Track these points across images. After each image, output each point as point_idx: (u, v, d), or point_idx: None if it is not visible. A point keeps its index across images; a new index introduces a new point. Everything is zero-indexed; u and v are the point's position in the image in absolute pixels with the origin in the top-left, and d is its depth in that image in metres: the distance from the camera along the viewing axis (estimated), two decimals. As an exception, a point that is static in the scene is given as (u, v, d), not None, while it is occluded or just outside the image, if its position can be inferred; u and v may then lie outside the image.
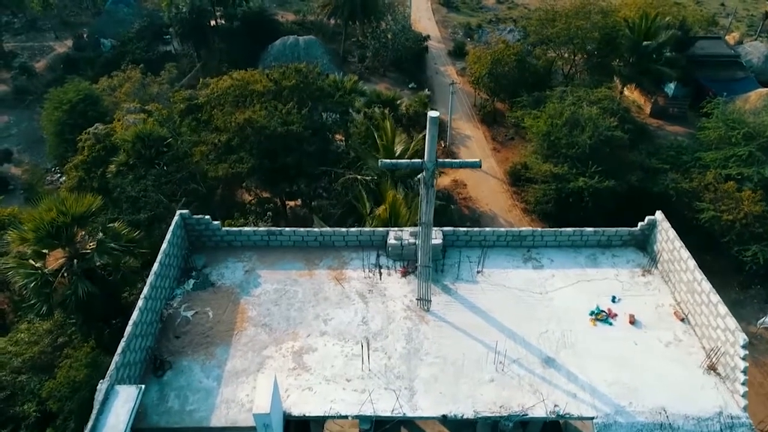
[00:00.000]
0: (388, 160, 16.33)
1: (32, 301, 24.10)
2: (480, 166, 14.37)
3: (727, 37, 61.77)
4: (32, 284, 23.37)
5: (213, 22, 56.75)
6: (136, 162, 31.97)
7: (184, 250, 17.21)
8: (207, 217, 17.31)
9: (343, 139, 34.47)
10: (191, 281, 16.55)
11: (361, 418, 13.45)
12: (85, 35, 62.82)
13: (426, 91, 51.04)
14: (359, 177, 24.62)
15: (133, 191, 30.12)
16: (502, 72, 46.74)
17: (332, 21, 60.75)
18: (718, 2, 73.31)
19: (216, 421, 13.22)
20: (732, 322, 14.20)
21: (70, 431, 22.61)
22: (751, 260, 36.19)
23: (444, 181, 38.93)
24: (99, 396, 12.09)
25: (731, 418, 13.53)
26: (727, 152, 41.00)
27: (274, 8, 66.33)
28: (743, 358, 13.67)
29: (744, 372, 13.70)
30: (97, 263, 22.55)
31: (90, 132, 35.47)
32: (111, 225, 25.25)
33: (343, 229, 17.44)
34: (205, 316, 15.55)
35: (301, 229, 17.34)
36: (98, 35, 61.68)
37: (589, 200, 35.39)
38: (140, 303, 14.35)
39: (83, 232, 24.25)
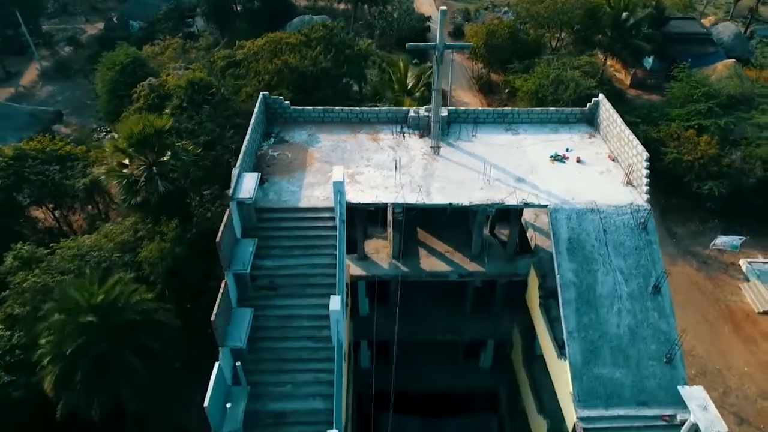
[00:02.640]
0: (413, 43, 24.79)
1: (123, 197, 32.54)
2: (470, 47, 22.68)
3: (703, 20, 70.82)
4: (123, 184, 31.76)
5: (235, 6, 65.37)
6: (187, 105, 40.22)
7: (264, 120, 25.42)
8: (281, 97, 25.63)
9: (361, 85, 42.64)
10: (271, 139, 24.77)
11: (396, 205, 21.62)
12: (114, 18, 71.35)
13: (428, 64, 59.62)
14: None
15: (190, 124, 38.28)
16: (497, 43, 55.32)
17: (342, 5, 69.45)
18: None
19: (300, 205, 21.43)
20: (641, 148, 22.48)
21: (158, 289, 30.63)
22: (708, 194, 44.52)
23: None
24: (234, 174, 20.20)
25: (637, 206, 21.79)
26: (690, 108, 49.71)
27: (288, -7, 75.21)
28: (646, 168, 21.92)
29: (647, 178, 21.96)
30: (172, 167, 30.78)
31: (145, 84, 43.68)
32: (179, 143, 33.84)
33: (376, 108, 25.78)
34: (285, 156, 23.81)
35: (347, 107, 25.67)
36: (127, 17, 70.19)
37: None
38: (245, 144, 22.46)
39: (160, 144, 32.69)
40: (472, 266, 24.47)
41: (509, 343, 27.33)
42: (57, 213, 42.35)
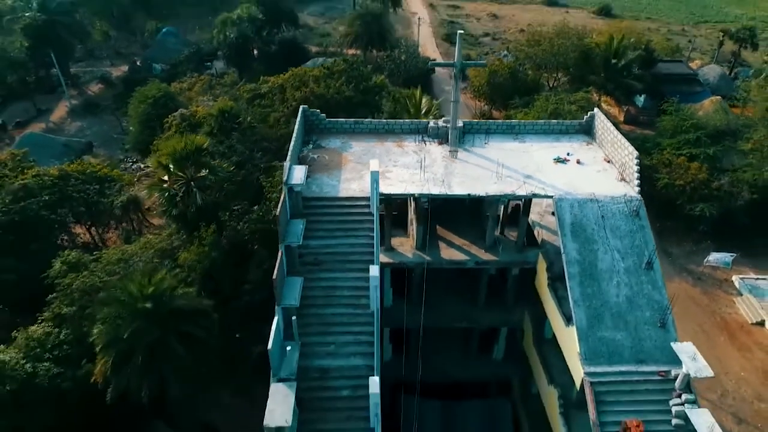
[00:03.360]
0: (434, 61, 29.10)
1: (164, 208, 36.43)
2: (486, 66, 26.99)
3: (691, 64, 76.66)
4: (165, 196, 35.76)
5: (254, 50, 70.90)
6: (217, 132, 44.57)
7: (303, 129, 29.47)
8: (317, 110, 29.80)
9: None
10: (310, 145, 28.77)
11: (423, 195, 25.40)
12: (138, 62, 76.91)
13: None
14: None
15: (222, 147, 42.46)
16: (498, 82, 60.38)
17: (351, 50, 75.10)
18: (686, 39, 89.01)
19: (340, 195, 25.22)
20: (632, 149, 26.47)
21: (195, 291, 33.69)
22: (699, 215, 48.41)
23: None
24: (286, 167, 24.04)
25: (630, 197, 25.61)
26: (680, 138, 54.35)
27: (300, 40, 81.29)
28: (637, 165, 25.82)
29: (638, 174, 25.83)
30: (208, 182, 34.78)
31: (176, 114, 48.19)
32: (213, 161, 38.01)
33: (401, 120, 29.92)
34: (323, 158, 27.78)
35: (375, 120, 29.79)
36: (150, 61, 75.77)
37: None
38: (291, 145, 26.39)
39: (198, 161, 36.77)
40: (487, 256, 28.03)
41: (520, 330, 30.52)
42: (93, 230, 46.03)
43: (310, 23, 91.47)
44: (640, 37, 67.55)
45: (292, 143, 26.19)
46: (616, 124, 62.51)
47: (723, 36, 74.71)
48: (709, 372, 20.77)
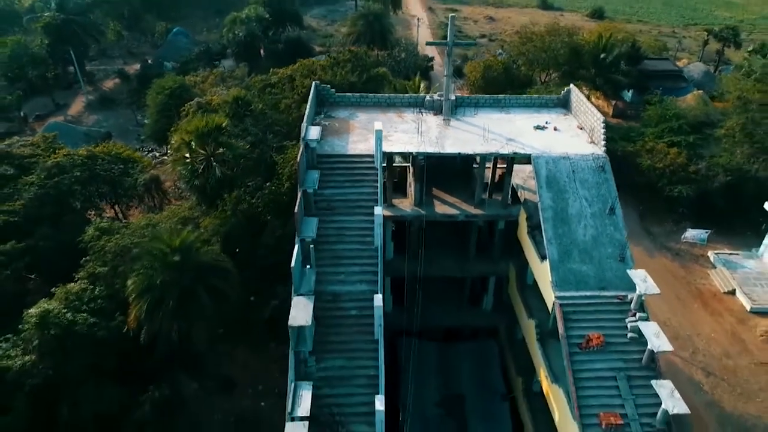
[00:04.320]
0: (431, 41, 34.16)
1: (187, 180, 41.37)
2: (476, 44, 32.06)
3: (678, 63, 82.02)
4: (188, 170, 40.70)
5: (262, 49, 76.18)
6: (231, 117, 49.49)
7: (316, 101, 34.45)
8: (327, 86, 34.83)
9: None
10: (321, 115, 33.77)
11: (419, 153, 30.34)
12: (149, 60, 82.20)
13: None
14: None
15: (237, 130, 47.30)
16: (492, 76, 65.50)
17: (353, 48, 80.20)
18: (675, 39, 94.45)
19: (348, 153, 30.20)
20: (600, 116, 31.43)
21: (218, 250, 38.21)
22: (678, 196, 53.24)
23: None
24: (303, 127, 28.98)
25: (597, 155, 30.57)
26: (662, 127, 59.44)
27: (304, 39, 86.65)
28: (603, 128, 30.78)
29: (604, 135, 30.77)
30: (226, 158, 39.64)
31: (193, 102, 53.12)
32: (230, 140, 42.94)
33: (401, 95, 34.93)
34: (333, 125, 32.82)
35: (378, 94, 34.79)
36: (161, 59, 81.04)
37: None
38: (306, 112, 31.35)
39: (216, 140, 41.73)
40: (475, 211, 32.94)
41: (506, 279, 35.31)
42: (117, 207, 50.93)
43: (313, 25, 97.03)
44: (627, 36, 72.86)
45: (306, 111, 31.20)
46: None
47: (708, 36, 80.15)
48: (656, 290, 25.59)
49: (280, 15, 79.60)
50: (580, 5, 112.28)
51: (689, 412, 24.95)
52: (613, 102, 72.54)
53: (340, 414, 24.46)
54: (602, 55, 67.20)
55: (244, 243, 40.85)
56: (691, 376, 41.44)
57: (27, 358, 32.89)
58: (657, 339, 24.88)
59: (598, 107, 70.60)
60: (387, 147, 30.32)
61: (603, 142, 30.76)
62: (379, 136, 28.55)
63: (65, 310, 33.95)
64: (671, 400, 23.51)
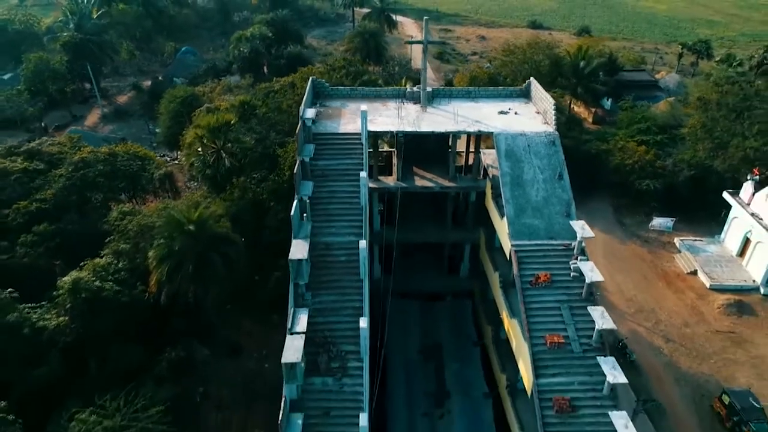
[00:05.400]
0: (410, 39, 41.16)
1: (199, 169, 48.06)
2: (445, 44, 39.04)
3: (657, 75, 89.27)
4: (200, 160, 47.47)
5: (265, 66, 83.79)
6: (238, 119, 56.36)
7: (313, 93, 41.33)
8: (323, 81, 41.77)
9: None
10: (317, 104, 40.63)
11: (399, 132, 37.07)
12: (160, 77, 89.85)
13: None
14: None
15: (243, 129, 54.13)
16: (479, 85, 72.44)
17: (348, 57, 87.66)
18: (657, 55, 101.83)
19: (339, 131, 36.94)
20: (552, 100, 38.12)
21: (229, 226, 44.41)
22: (646, 189, 59.62)
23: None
24: (302, 109, 35.76)
25: (549, 132, 37.21)
26: (633, 128, 66.32)
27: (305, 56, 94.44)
28: (554, 111, 37.46)
29: (555, 119, 37.40)
30: (234, 150, 46.37)
31: (203, 108, 60.15)
32: (238, 136, 49.78)
33: (385, 88, 41.83)
34: (327, 111, 39.71)
35: (366, 87, 41.68)
36: (171, 76, 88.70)
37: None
38: (304, 99, 38.15)
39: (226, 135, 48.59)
40: (449, 183, 39.51)
41: (478, 245, 41.61)
42: (134, 200, 57.58)
43: (313, 45, 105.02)
44: (604, 49, 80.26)
45: (304, 98, 38.09)
46: (580, 121, 74.71)
47: (682, 49, 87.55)
48: (590, 233, 31.89)
49: (283, 34, 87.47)
50: (569, 24, 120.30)
51: (616, 327, 31.04)
52: (593, 109, 79.58)
53: (331, 337, 30.59)
54: (580, 66, 74.30)
55: (251, 224, 47.14)
56: (653, 342, 47.37)
57: (61, 319, 38.82)
58: (592, 273, 31.07)
59: (578, 114, 78.15)
60: (372, 127, 37.04)
61: (554, 122, 37.40)
62: (364, 116, 35.30)
63: (94, 279, 40.02)
64: (602, 320, 29.58)
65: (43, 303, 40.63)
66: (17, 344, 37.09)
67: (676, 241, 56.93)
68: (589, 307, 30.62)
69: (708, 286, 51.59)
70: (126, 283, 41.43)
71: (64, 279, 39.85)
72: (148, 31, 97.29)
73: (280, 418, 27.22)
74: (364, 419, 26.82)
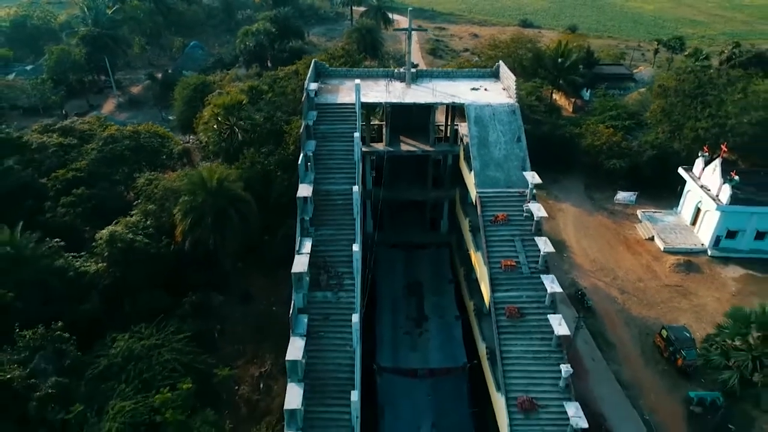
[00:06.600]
0: (397, 28, 50.56)
1: (214, 142, 57.30)
2: (426, 31, 48.40)
3: (636, 70, 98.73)
4: (215, 135, 56.74)
5: (269, 60, 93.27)
6: (248, 103, 65.60)
7: (314, 73, 50.65)
8: (324, 63, 51.11)
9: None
10: (319, 81, 49.95)
11: (386, 103, 46.41)
12: (169, 69, 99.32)
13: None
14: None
15: (253, 109, 63.38)
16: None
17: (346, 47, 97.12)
18: (639, 52, 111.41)
19: (337, 102, 46.32)
20: (514, 78, 47.41)
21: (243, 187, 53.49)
22: (614, 168, 68.69)
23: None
24: (305, 83, 45.05)
25: (511, 104, 46.53)
26: (605, 115, 75.70)
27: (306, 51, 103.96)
28: (515, 86, 46.77)
29: (516, 91, 46.70)
30: (245, 127, 55.55)
31: (215, 93, 69.36)
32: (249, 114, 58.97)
33: (376, 69, 51.20)
34: (327, 87, 49.02)
35: (361, 68, 51.01)
36: (180, 69, 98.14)
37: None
38: (307, 78, 47.44)
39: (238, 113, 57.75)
40: (429, 148, 48.88)
41: (454, 201, 50.84)
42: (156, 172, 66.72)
43: (314, 41, 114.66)
44: (582, 44, 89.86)
45: (308, 76, 47.46)
46: (558, 109, 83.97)
47: (658, 45, 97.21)
48: (538, 180, 41.10)
49: (285, 29, 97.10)
50: (558, 23, 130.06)
51: (554, 250, 40.20)
52: (573, 99, 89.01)
53: (330, 260, 39.71)
54: (560, 60, 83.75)
55: (260, 190, 56.15)
56: (610, 294, 56.43)
57: (99, 265, 47.73)
58: (539, 212, 40.27)
59: (559, 104, 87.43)
60: (364, 99, 46.43)
61: (515, 96, 46.74)
62: (357, 88, 44.68)
63: (127, 232, 48.97)
64: (543, 245, 38.72)
65: (83, 253, 49.53)
66: (64, 284, 45.64)
67: (638, 212, 66.06)
68: (535, 237, 39.77)
69: (662, 249, 60.55)
70: (153, 237, 50.19)
71: (102, 231, 48.62)
72: (159, 26, 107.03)
73: (290, 316, 36.22)
74: (355, 317, 35.80)
